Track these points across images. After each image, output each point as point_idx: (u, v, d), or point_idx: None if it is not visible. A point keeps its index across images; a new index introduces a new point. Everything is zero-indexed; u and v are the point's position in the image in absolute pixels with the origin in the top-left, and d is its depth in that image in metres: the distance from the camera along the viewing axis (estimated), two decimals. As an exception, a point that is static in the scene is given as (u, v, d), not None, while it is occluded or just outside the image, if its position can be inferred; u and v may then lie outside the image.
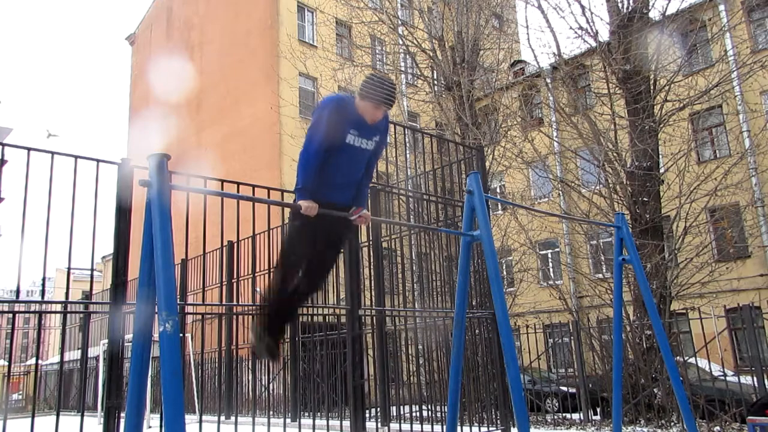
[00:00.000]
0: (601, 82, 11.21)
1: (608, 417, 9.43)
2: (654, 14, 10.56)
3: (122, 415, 2.83)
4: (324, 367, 9.79)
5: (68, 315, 5.24)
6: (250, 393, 11.16)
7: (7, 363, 21.02)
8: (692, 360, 9.65)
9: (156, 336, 2.38)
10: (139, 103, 27.72)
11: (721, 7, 16.00)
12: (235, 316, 9.63)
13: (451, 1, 13.29)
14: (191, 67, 24.47)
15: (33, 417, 4.11)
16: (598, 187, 11.21)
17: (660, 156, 10.64)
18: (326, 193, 3.22)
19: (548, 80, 12.75)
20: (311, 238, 3.28)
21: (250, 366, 11.92)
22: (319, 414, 9.43)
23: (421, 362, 7.70)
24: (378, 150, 3.41)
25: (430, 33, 13.15)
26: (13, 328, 4.29)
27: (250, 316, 3.66)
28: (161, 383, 2.29)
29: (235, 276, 10.02)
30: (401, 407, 7.74)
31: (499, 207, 17.94)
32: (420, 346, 7.73)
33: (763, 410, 5.98)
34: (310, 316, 9.11)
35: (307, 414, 10.03)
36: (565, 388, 11.39)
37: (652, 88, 10.21)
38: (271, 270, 6.23)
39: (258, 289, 7.51)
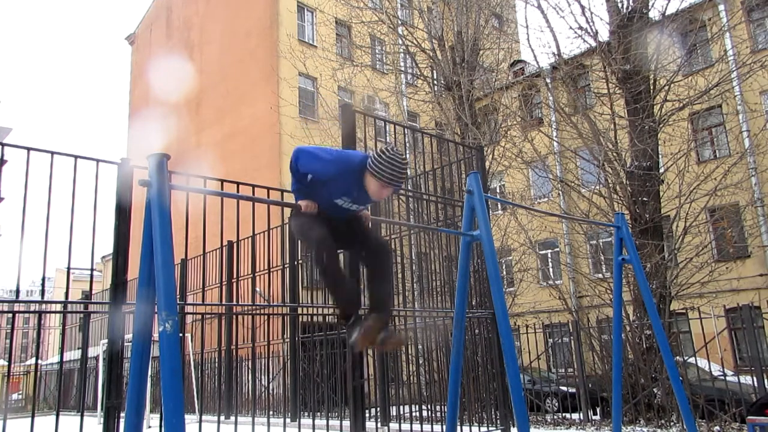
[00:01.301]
0: (601, 82, 11.21)
1: (608, 417, 9.43)
2: (654, 14, 10.56)
3: (122, 415, 2.83)
4: (324, 367, 9.79)
5: (68, 315, 5.24)
6: (250, 393, 11.16)
7: (7, 363, 21.03)
8: (692, 360, 9.65)
9: (156, 336, 2.38)
10: (139, 103, 27.72)
11: (721, 7, 16.00)
12: (234, 316, 9.63)
13: (451, 1, 13.28)
14: (191, 67, 24.47)
15: (33, 417, 4.11)
16: (597, 187, 11.21)
17: (660, 156, 10.64)
18: (322, 207, 3.14)
19: (548, 80, 12.75)
20: (321, 220, 3.11)
21: (250, 366, 11.92)
22: (318, 414, 9.43)
23: (420, 362, 7.69)
24: (366, 207, 3.28)
25: (429, 33, 13.14)
26: (12, 328, 4.29)
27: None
28: (161, 383, 2.29)
29: (234, 276, 10.03)
30: (401, 407, 7.74)
31: (499, 207, 17.93)
32: (420, 346, 7.73)
33: (763, 410, 5.98)
34: (310, 316, 9.13)
35: (306, 414, 10.03)
36: (564, 388, 11.40)
37: (651, 88, 10.21)
38: (271, 270, 6.23)
39: (258, 290, 7.50)
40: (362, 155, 3.07)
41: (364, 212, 3.36)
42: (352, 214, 3.24)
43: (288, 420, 7.82)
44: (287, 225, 7.80)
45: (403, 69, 15.92)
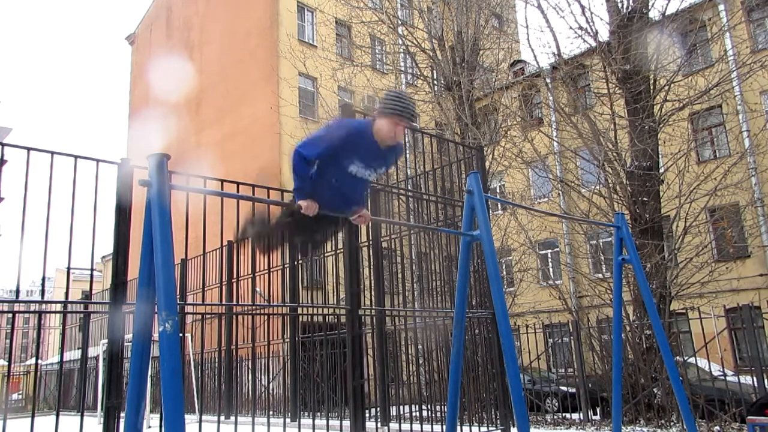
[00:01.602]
0: (601, 82, 11.21)
1: (608, 417, 9.43)
2: (654, 14, 10.56)
3: (122, 415, 2.83)
4: (324, 367, 9.79)
5: (68, 315, 5.24)
6: (250, 393, 11.16)
7: (7, 363, 21.04)
8: (692, 360, 9.65)
9: (156, 336, 2.38)
10: (139, 103, 27.72)
11: (721, 7, 16.00)
12: (234, 316, 9.63)
13: (451, 1, 13.28)
14: (191, 67, 24.48)
15: (33, 417, 4.11)
16: (597, 187, 11.21)
17: (660, 156, 10.64)
18: (326, 202, 3.20)
19: (548, 80, 12.75)
20: (296, 229, 3.36)
21: (250, 366, 11.92)
22: (318, 414, 9.43)
23: (420, 362, 7.69)
24: (379, 174, 3.44)
25: (429, 33, 13.14)
26: (12, 328, 4.28)
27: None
28: (161, 383, 2.29)
29: (234, 276, 10.02)
30: (401, 407, 7.74)
31: (499, 207, 17.93)
32: (420, 346, 7.73)
33: (763, 410, 5.98)
34: (310, 316, 9.13)
35: (306, 414, 10.03)
36: (564, 388, 11.39)
37: (651, 88, 10.21)
38: (271, 270, 6.22)
39: (258, 290, 7.50)
40: (352, 125, 3.24)
41: (364, 212, 3.36)
42: (361, 184, 3.31)
43: (288, 420, 7.81)
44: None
45: (403, 69, 15.93)
